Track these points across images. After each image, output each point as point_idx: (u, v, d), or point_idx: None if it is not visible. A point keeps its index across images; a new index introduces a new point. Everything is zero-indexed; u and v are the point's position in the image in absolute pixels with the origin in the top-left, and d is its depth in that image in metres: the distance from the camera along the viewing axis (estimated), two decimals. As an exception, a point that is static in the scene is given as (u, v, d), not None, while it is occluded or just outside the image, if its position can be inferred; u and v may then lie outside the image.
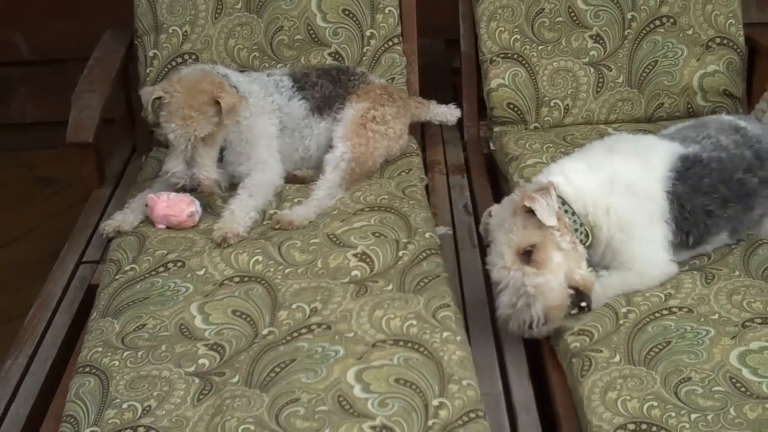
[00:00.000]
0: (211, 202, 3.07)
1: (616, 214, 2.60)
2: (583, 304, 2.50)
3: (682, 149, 2.72)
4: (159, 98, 2.97)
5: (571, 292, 2.47)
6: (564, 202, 2.59)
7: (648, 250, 2.64)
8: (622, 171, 2.65)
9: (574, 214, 2.59)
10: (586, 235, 2.60)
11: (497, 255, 2.50)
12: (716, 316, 2.48)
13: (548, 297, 2.42)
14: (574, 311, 2.50)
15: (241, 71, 3.38)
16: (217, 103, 2.94)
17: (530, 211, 2.48)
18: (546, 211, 2.47)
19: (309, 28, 3.54)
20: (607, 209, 2.60)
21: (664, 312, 2.51)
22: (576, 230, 2.58)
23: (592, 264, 2.61)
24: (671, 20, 3.54)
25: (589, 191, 2.61)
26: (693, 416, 2.18)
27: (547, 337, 2.55)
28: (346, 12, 3.55)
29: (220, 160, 3.10)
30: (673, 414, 2.19)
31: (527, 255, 2.47)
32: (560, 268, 2.47)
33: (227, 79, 3.07)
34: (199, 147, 2.95)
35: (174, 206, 2.96)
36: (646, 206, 2.62)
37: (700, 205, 2.66)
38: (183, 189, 2.97)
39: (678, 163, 2.68)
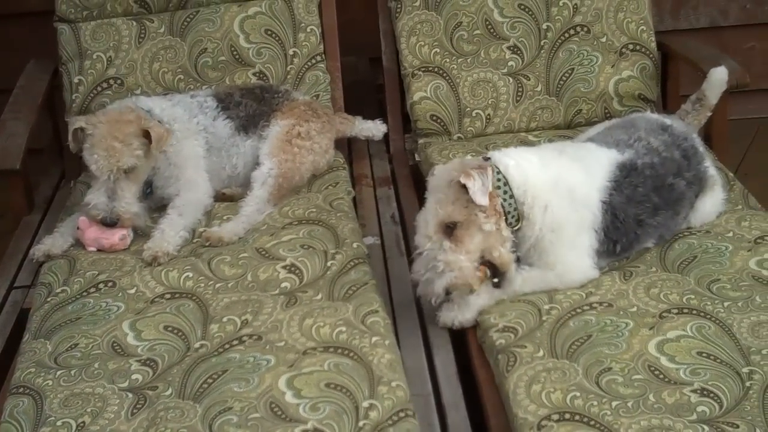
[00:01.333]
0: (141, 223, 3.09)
1: (552, 215, 2.66)
2: (496, 280, 2.60)
3: (619, 156, 2.78)
4: (81, 129, 2.99)
5: (480, 274, 2.57)
6: (506, 183, 2.65)
7: (573, 255, 2.71)
8: (566, 174, 2.70)
9: (512, 197, 2.65)
10: (517, 220, 2.66)
11: (423, 221, 2.59)
12: (635, 309, 2.57)
13: (455, 274, 2.51)
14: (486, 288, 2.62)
15: (165, 94, 3.41)
16: (145, 135, 2.96)
17: (464, 187, 2.55)
18: (479, 191, 2.54)
19: (232, 49, 3.59)
20: (546, 207, 2.66)
21: (585, 308, 2.60)
22: (508, 213, 2.64)
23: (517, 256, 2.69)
24: (585, 29, 3.66)
25: (534, 183, 2.67)
26: (614, 404, 2.26)
27: (474, 335, 2.62)
28: (269, 32, 3.61)
29: (149, 193, 3.12)
30: (595, 403, 2.26)
31: (450, 229, 2.55)
32: (477, 248, 2.57)
33: (151, 113, 3.11)
34: (121, 180, 2.96)
35: (105, 229, 2.97)
36: (580, 213, 2.69)
37: (633, 215, 2.74)
38: (103, 222, 2.96)
39: (616, 172, 2.74)
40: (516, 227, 2.66)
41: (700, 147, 2.96)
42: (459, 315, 2.63)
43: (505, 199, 2.64)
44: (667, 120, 2.99)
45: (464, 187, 2.55)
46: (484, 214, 2.57)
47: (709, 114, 3.19)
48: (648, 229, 2.79)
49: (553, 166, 2.71)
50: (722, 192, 3.00)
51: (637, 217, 2.75)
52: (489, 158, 2.69)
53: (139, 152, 2.97)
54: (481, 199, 2.55)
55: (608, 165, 2.75)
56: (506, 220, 2.63)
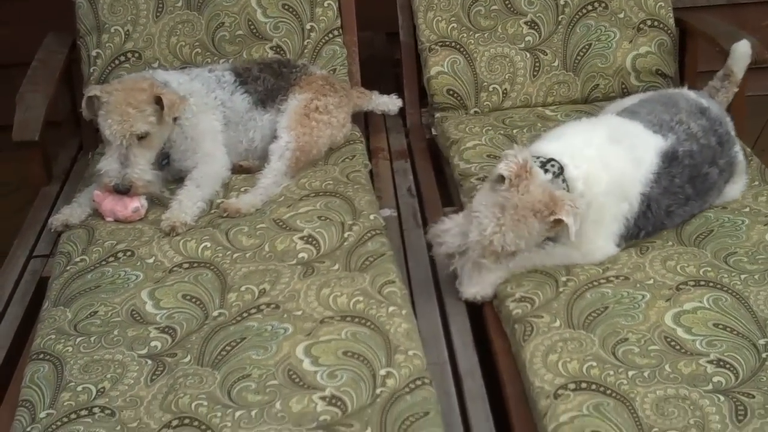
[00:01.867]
0: (159, 194, 3.11)
1: (597, 208, 2.66)
2: None
3: (663, 144, 2.74)
4: (96, 97, 3.00)
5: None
6: (564, 180, 2.62)
7: (602, 239, 2.71)
8: (621, 171, 2.67)
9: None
10: None
11: (491, 231, 2.52)
12: (651, 281, 2.58)
13: (477, 272, 2.56)
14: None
15: (183, 68, 3.43)
16: (157, 102, 2.97)
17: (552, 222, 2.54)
18: (574, 230, 2.53)
19: (250, 23, 3.59)
20: (601, 206, 2.66)
21: (602, 281, 2.61)
22: None
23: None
24: (603, 4, 3.64)
25: (598, 193, 2.64)
26: (630, 373, 2.27)
27: (491, 304, 2.65)
28: (286, 6, 3.61)
29: (166, 164, 3.14)
30: (612, 372, 2.28)
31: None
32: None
33: (167, 85, 3.12)
34: (134, 146, 2.97)
35: (119, 201, 2.99)
36: (620, 205, 2.69)
37: (665, 206, 2.74)
38: (116, 189, 2.97)
39: (659, 162, 2.72)
40: None
41: (732, 131, 2.94)
42: (480, 290, 2.63)
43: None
44: (704, 101, 2.94)
45: (553, 220, 2.53)
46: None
47: (737, 90, 3.17)
48: (674, 218, 2.79)
49: (612, 164, 2.67)
50: (746, 176, 2.99)
51: (668, 208, 2.74)
52: (553, 159, 2.63)
53: (152, 119, 2.98)
54: (573, 237, 2.54)
55: (654, 155, 2.72)
56: None
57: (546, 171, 2.59)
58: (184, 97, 3.10)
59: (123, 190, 2.97)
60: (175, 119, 3.08)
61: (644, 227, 2.74)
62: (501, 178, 2.54)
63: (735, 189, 2.93)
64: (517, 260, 2.63)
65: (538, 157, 2.63)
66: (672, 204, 2.75)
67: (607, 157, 2.68)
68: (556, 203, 2.52)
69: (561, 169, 2.62)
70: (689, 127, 2.81)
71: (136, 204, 3.00)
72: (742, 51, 3.15)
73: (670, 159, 2.74)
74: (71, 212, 3.04)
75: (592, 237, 2.69)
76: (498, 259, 2.57)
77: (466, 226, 2.57)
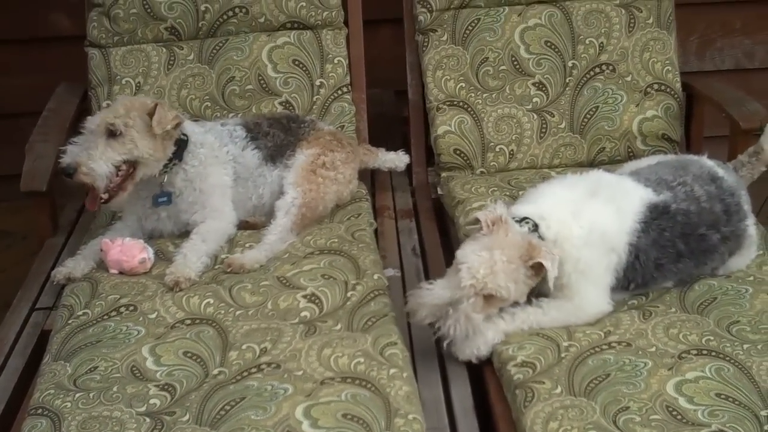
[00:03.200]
0: (163, 248, 3.12)
1: (583, 263, 2.69)
2: None
3: (653, 197, 2.78)
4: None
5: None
6: (539, 236, 2.67)
7: (594, 291, 2.73)
8: (599, 221, 2.71)
9: None
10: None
11: (483, 275, 2.56)
12: (653, 349, 2.57)
13: (469, 326, 2.57)
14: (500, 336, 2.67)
15: (195, 121, 3.45)
16: (149, 114, 2.99)
17: (533, 267, 2.60)
18: (552, 274, 2.59)
19: (260, 78, 3.63)
20: (578, 260, 2.68)
21: (604, 347, 2.59)
22: None
23: (538, 293, 2.73)
24: (611, 68, 3.67)
25: (568, 244, 2.68)
26: (631, 443, 2.25)
27: (492, 370, 2.63)
28: (296, 62, 3.65)
29: (164, 202, 3.14)
30: (612, 442, 2.26)
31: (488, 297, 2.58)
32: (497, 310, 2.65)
33: (182, 128, 3.14)
34: (102, 139, 2.95)
35: (127, 252, 3.01)
36: (608, 256, 2.71)
37: (653, 257, 2.74)
38: (62, 171, 2.93)
39: (647, 213, 2.74)
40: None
41: (746, 204, 2.94)
42: (476, 350, 2.63)
43: None
44: (720, 171, 2.95)
45: (533, 267, 2.60)
46: (528, 288, 2.65)
47: (764, 168, 3.15)
48: (666, 273, 2.79)
49: (585, 215, 2.71)
50: (755, 251, 2.98)
51: (658, 260, 2.75)
52: (527, 218, 2.70)
53: (131, 122, 2.97)
54: (552, 281, 2.60)
55: (640, 205, 2.75)
56: None
57: (521, 227, 2.67)
58: (181, 117, 3.10)
59: (68, 172, 2.93)
60: (176, 158, 3.10)
61: (633, 279, 2.75)
62: (478, 224, 2.64)
63: (740, 261, 2.93)
64: (511, 319, 2.65)
65: (513, 217, 2.69)
66: (662, 257, 2.75)
67: (581, 213, 2.72)
68: (534, 248, 2.59)
69: (535, 226, 2.68)
70: (692, 190, 2.82)
71: (144, 255, 3.01)
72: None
73: (659, 211, 2.75)
74: (75, 265, 3.04)
75: (582, 290, 2.70)
76: (489, 309, 2.58)
77: (448, 284, 2.59)
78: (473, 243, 2.63)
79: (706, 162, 3.01)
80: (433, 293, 2.58)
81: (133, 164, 3.03)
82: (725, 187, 2.89)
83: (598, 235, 2.70)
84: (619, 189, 2.83)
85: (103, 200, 3.01)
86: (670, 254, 2.76)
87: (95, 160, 2.94)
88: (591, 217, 2.71)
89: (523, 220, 2.69)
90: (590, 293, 2.72)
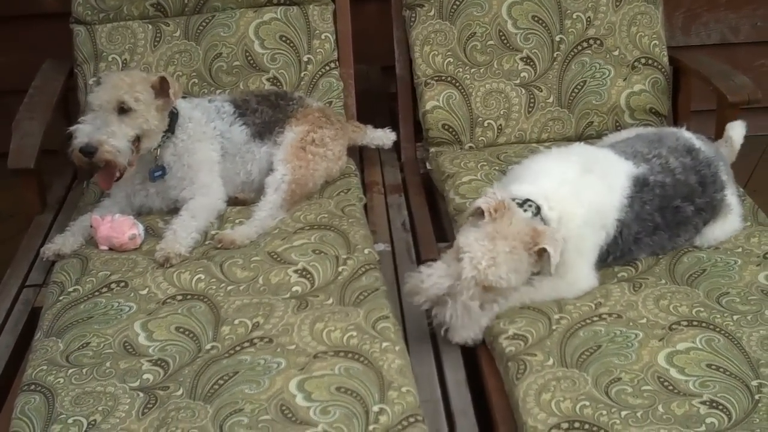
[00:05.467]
0: (153, 224, 3.11)
1: (580, 239, 2.71)
2: None
3: (634, 169, 2.80)
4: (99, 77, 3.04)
5: None
6: (542, 219, 2.67)
7: (585, 266, 2.75)
8: (596, 199, 2.72)
9: None
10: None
11: (486, 266, 2.53)
12: (644, 320, 2.59)
13: (467, 317, 2.55)
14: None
15: (183, 98, 3.43)
16: (154, 88, 2.99)
17: (538, 252, 2.58)
18: (556, 260, 2.57)
19: (247, 54, 3.61)
20: (578, 238, 2.70)
21: (595, 318, 2.61)
22: None
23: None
24: (598, 42, 3.67)
25: (571, 225, 2.69)
26: (623, 413, 2.27)
27: (484, 343, 2.64)
28: (284, 38, 3.63)
29: (159, 176, 3.13)
30: (605, 412, 2.28)
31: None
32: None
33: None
34: (113, 115, 2.93)
35: (117, 228, 3.00)
36: (599, 233, 2.74)
37: (633, 232, 2.77)
38: (82, 150, 2.89)
39: (632, 187, 2.77)
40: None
41: (723, 175, 2.96)
42: (471, 333, 2.62)
43: None
44: (697, 143, 2.97)
45: (538, 253, 2.58)
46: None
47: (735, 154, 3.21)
48: (642, 245, 2.82)
49: (586, 195, 2.72)
50: (738, 221, 2.99)
51: (637, 234, 2.78)
52: (529, 200, 2.68)
53: (140, 96, 2.97)
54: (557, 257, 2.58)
55: (625, 179, 2.77)
56: None
57: (525, 210, 2.65)
58: (181, 83, 3.09)
59: (89, 152, 2.90)
60: (168, 131, 3.10)
61: (612, 252, 2.78)
62: (480, 213, 2.60)
63: (718, 230, 2.94)
64: (505, 302, 2.65)
65: (514, 199, 2.67)
66: (641, 231, 2.78)
67: (581, 192, 2.73)
68: (539, 234, 2.57)
69: (538, 209, 2.67)
70: (667, 162, 2.85)
71: (134, 231, 3.00)
72: (735, 132, 3.21)
73: (641, 184, 2.78)
74: (64, 242, 3.03)
75: (576, 267, 2.72)
76: (488, 298, 2.57)
77: (447, 272, 2.56)
78: (476, 231, 2.59)
79: (683, 134, 3.03)
80: (432, 280, 2.56)
81: (138, 138, 3.02)
82: (701, 159, 2.91)
83: (596, 214, 2.72)
84: (606, 164, 2.84)
85: (117, 177, 2.99)
86: (648, 227, 2.79)
87: (117, 137, 2.92)
88: (590, 196, 2.72)
89: (525, 202, 2.67)
90: (582, 270, 2.74)
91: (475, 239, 2.57)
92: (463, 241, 2.59)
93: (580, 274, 2.74)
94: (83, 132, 2.92)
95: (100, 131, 2.91)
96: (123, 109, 2.95)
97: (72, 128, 2.95)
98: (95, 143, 2.90)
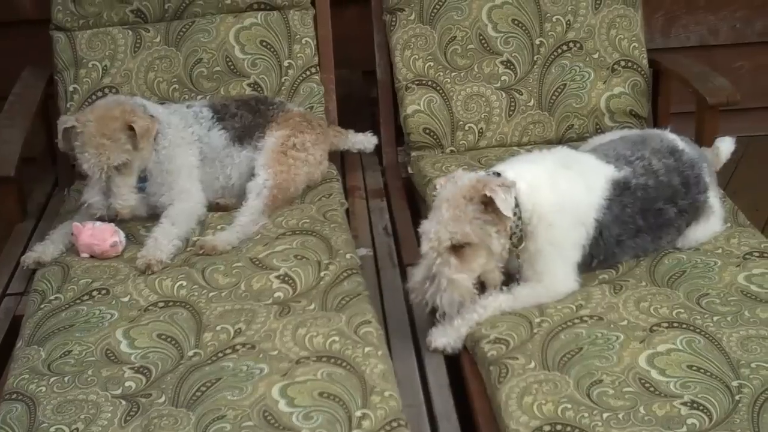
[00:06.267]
0: (134, 231, 3.11)
1: (554, 231, 2.70)
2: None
3: (616, 173, 2.80)
4: (72, 128, 3.01)
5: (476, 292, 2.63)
6: (516, 205, 2.67)
7: (563, 268, 2.75)
8: (573, 192, 2.73)
9: (520, 219, 2.68)
10: (520, 240, 2.70)
11: (434, 233, 2.58)
12: (625, 323, 2.59)
13: (456, 292, 2.57)
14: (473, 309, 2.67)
15: (161, 104, 3.43)
16: (130, 129, 2.98)
17: (484, 203, 2.57)
18: (505, 204, 2.56)
19: (227, 59, 3.61)
20: (550, 225, 2.70)
21: (576, 321, 2.62)
22: (513, 233, 2.68)
23: (508, 269, 2.76)
24: (578, 45, 3.69)
25: (542, 204, 2.69)
26: (605, 415, 2.27)
27: (465, 347, 2.64)
28: (264, 43, 3.63)
29: (142, 190, 3.14)
30: (586, 414, 2.28)
31: (458, 246, 2.58)
32: (480, 267, 2.62)
33: (145, 109, 3.12)
34: (114, 176, 2.99)
35: (98, 235, 2.99)
36: (578, 230, 2.74)
37: (615, 234, 2.77)
38: (102, 219, 3.00)
39: (611, 190, 2.77)
40: (519, 247, 2.70)
41: (707, 177, 2.96)
42: (451, 340, 2.64)
43: (514, 221, 2.67)
44: (680, 144, 2.98)
45: (485, 204, 2.57)
46: (497, 234, 2.62)
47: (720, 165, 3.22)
48: (625, 248, 2.83)
49: (562, 184, 2.73)
50: (719, 223, 3.00)
51: (619, 236, 2.78)
52: (499, 174, 2.70)
53: (128, 146, 3.00)
54: (508, 212, 2.57)
55: (605, 182, 2.78)
56: (511, 239, 2.68)
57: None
58: (156, 119, 3.10)
59: (110, 220, 3.00)
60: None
61: (597, 255, 2.78)
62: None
63: (699, 232, 2.95)
64: (484, 311, 2.66)
65: (487, 173, 2.70)
66: (622, 233, 2.78)
67: (557, 178, 2.74)
68: (484, 183, 2.58)
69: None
70: (650, 164, 2.85)
71: (115, 239, 3.00)
72: (724, 147, 3.22)
73: (622, 188, 2.78)
74: (44, 250, 3.03)
75: (552, 269, 2.72)
76: (469, 265, 2.59)
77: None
78: (430, 212, 2.65)
79: (667, 135, 3.03)
80: (416, 277, 2.61)
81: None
82: (685, 160, 2.92)
83: (571, 206, 2.72)
84: (586, 165, 2.85)
85: None
86: (630, 230, 2.80)
87: (125, 196, 3.02)
88: (566, 187, 2.73)
89: (495, 173, 2.69)
90: (559, 272, 2.74)
91: (427, 219, 2.62)
92: (420, 228, 2.63)
93: (557, 277, 2.74)
94: (97, 206, 3.01)
95: (112, 198, 3.00)
96: (118, 168, 2.98)
97: (83, 201, 3.04)
98: (113, 213, 3.01)
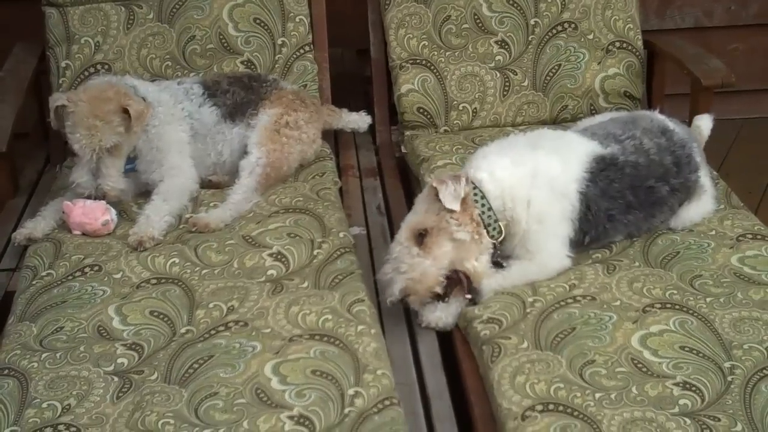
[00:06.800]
0: (126, 209, 3.09)
1: (536, 207, 2.71)
2: (469, 296, 2.64)
3: (600, 149, 2.82)
4: (63, 106, 2.99)
5: (440, 288, 2.62)
6: (483, 197, 2.70)
7: (553, 244, 2.75)
8: (544, 166, 2.75)
9: (490, 209, 2.70)
10: (500, 232, 2.71)
11: (399, 232, 2.66)
12: (618, 303, 2.59)
13: (414, 279, 2.57)
14: (465, 303, 2.66)
15: (153, 81, 3.41)
16: (124, 112, 2.97)
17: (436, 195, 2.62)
18: (449, 195, 2.61)
19: (221, 37, 3.59)
20: (528, 202, 2.71)
21: (569, 300, 2.62)
22: (489, 225, 2.69)
23: (504, 255, 2.75)
24: (573, 25, 3.68)
25: (511, 186, 2.72)
26: (597, 395, 2.28)
27: (458, 326, 2.65)
28: (258, 21, 3.61)
29: (130, 169, 3.13)
30: (579, 394, 2.28)
31: (421, 237, 2.62)
32: (445, 256, 2.63)
33: (135, 90, 3.11)
34: (104, 157, 2.97)
35: (89, 213, 2.97)
36: (561, 203, 2.74)
37: (604, 208, 2.77)
38: (89, 198, 2.99)
39: (593, 164, 2.77)
40: (500, 239, 2.72)
41: (697, 156, 2.97)
42: (442, 316, 2.65)
43: (483, 212, 2.69)
44: (671, 124, 2.99)
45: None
46: (456, 221, 2.64)
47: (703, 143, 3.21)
48: (617, 225, 2.82)
49: (527, 162, 2.76)
50: (712, 202, 3.01)
51: (608, 211, 2.78)
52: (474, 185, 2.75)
53: (120, 129, 2.98)
54: (451, 204, 2.61)
55: (585, 156, 2.78)
56: (488, 232, 2.69)
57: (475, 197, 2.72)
58: (150, 104, 3.09)
59: (97, 197, 2.99)
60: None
61: (588, 231, 2.78)
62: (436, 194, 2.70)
63: (692, 211, 2.95)
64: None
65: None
66: (612, 208, 2.78)
67: (521, 159, 2.76)
68: (436, 177, 2.70)
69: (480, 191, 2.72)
70: (641, 143, 2.86)
71: (107, 217, 2.98)
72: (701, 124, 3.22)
73: (606, 163, 2.78)
74: (35, 226, 3.02)
75: (544, 246, 2.73)
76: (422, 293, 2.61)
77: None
78: None
79: (657, 116, 3.05)
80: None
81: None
82: (676, 140, 2.92)
83: (545, 179, 2.73)
84: (561, 142, 2.88)
85: None
86: (620, 205, 2.79)
87: (116, 180, 3.02)
88: (533, 164, 2.75)
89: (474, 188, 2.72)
90: (551, 248, 2.75)
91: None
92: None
93: (549, 253, 2.74)
94: (85, 185, 2.99)
95: (101, 179, 2.98)
96: (108, 150, 2.97)
97: (72, 181, 3.02)
98: (100, 194, 2.98)
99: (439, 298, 2.63)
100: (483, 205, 2.69)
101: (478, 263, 2.66)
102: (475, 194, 2.70)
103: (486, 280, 2.68)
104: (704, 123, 3.21)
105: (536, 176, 2.72)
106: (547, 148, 2.81)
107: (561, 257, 2.75)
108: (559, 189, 2.73)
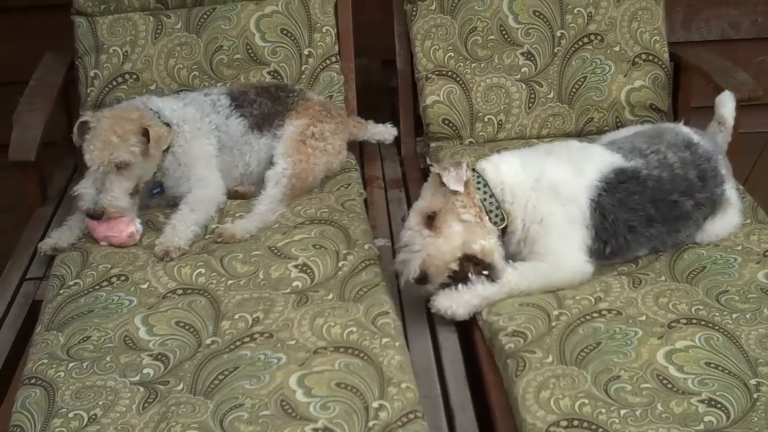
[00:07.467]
0: (153, 218, 3.11)
1: (534, 208, 2.75)
2: (485, 272, 2.69)
3: (622, 162, 2.82)
4: (86, 122, 3.02)
5: (456, 264, 2.67)
6: (485, 184, 2.78)
7: (563, 245, 2.75)
8: (550, 172, 2.79)
9: (492, 196, 2.77)
10: (502, 218, 2.77)
11: (408, 219, 2.75)
12: (644, 318, 2.59)
13: (431, 255, 2.63)
14: (479, 280, 2.70)
15: (179, 91, 3.44)
16: (144, 134, 2.98)
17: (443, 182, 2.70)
18: (452, 178, 2.71)
19: (248, 47, 3.61)
20: (526, 202, 2.76)
21: (594, 314, 2.62)
22: (490, 211, 2.75)
23: (508, 253, 2.78)
24: (599, 38, 3.67)
25: (511, 182, 2.79)
26: (622, 412, 2.27)
27: (483, 338, 2.64)
28: (285, 31, 3.63)
29: (158, 193, 3.17)
30: (603, 410, 2.28)
31: (430, 220, 2.69)
32: (456, 235, 2.69)
33: (160, 114, 3.13)
34: (111, 173, 2.96)
35: (114, 228, 2.99)
36: (567, 207, 2.75)
37: (623, 219, 2.77)
38: (88, 214, 2.96)
39: (611, 175, 2.78)
40: (502, 225, 2.76)
41: (723, 169, 2.96)
42: (453, 304, 2.67)
43: (485, 198, 2.76)
44: (696, 137, 2.98)
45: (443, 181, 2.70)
46: (461, 203, 2.70)
47: (731, 134, 3.20)
48: (639, 237, 2.81)
49: (536, 165, 2.82)
50: (738, 216, 2.99)
51: (628, 222, 2.77)
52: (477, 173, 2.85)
53: (135, 149, 2.98)
54: (455, 185, 2.70)
55: (603, 168, 2.79)
56: (490, 218, 2.75)
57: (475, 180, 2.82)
58: (172, 129, 3.11)
59: (95, 216, 2.96)
60: (166, 150, 3.10)
61: (607, 240, 2.77)
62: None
63: (718, 225, 2.94)
64: (490, 284, 2.68)
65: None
66: (632, 220, 2.78)
67: (532, 162, 2.84)
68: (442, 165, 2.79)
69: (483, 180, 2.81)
70: (665, 157, 2.86)
71: (132, 229, 3.00)
72: (724, 101, 3.21)
73: (627, 176, 2.79)
74: (60, 235, 3.04)
75: (549, 242, 2.75)
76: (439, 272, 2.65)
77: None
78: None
79: (682, 129, 3.04)
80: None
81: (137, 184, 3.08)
82: (701, 153, 2.92)
83: (548, 185, 2.76)
84: (582, 153, 2.90)
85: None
86: (640, 217, 2.79)
87: (118, 197, 2.97)
88: (541, 168, 2.80)
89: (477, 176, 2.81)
90: (560, 248, 2.75)
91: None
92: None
93: (560, 254, 2.75)
94: (87, 198, 2.96)
95: (102, 194, 2.95)
96: (118, 167, 2.97)
97: (75, 191, 3.01)
98: (99, 209, 2.95)
99: (457, 280, 2.66)
100: (485, 192, 2.77)
101: (486, 242, 2.70)
102: (478, 181, 2.78)
103: (500, 260, 2.71)
104: (727, 108, 3.19)
105: (539, 179, 2.78)
106: (561, 156, 2.85)
107: (575, 260, 2.75)
108: (564, 193, 2.76)
